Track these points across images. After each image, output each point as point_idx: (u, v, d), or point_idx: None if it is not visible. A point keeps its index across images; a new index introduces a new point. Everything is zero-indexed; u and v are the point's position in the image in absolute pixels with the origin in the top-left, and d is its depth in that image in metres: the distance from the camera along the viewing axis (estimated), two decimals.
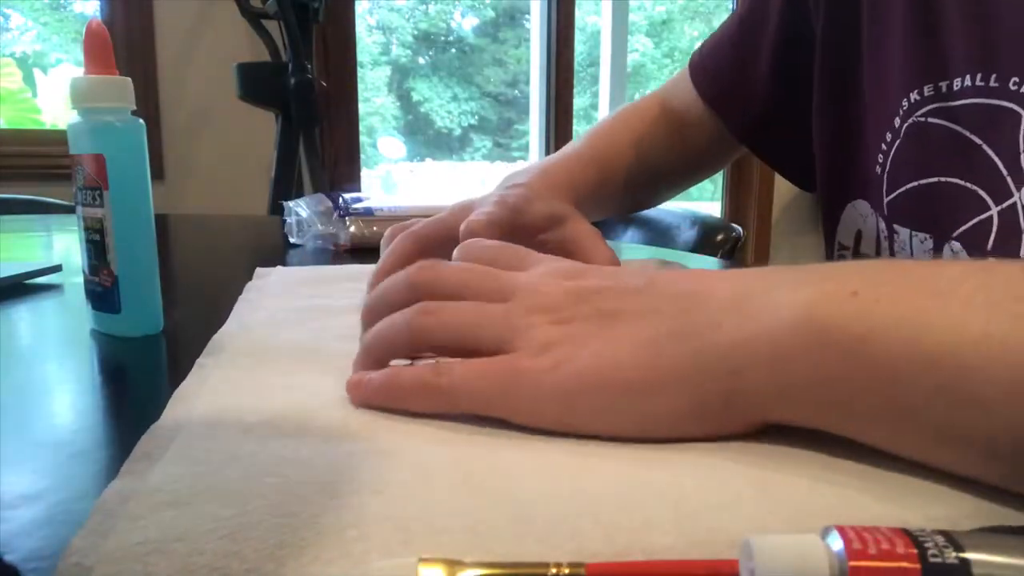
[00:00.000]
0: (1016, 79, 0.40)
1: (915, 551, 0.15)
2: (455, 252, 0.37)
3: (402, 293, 0.32)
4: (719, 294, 0.27)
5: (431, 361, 0.30)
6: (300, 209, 0.77)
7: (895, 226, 0.48)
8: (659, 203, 0.74)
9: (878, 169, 0.50)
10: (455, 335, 0.30)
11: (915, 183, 0.47)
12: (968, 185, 0.43)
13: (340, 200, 0.76)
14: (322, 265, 0.65)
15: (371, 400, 0.29)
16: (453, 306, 0.30)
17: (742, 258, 2.34)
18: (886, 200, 0.49)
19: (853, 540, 0.15)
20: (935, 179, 0.45)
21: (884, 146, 0.49)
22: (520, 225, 0.48)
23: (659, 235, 1.05)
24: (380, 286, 0.34)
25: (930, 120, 0.45)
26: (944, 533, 0.16)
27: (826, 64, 0.54)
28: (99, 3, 1.99)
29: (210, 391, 0.30)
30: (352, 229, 0.73)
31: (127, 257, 0.40)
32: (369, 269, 0.48)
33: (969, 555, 0.15)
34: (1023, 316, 0.21)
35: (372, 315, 0.33)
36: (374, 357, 0.31)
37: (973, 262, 0.25)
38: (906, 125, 0.47)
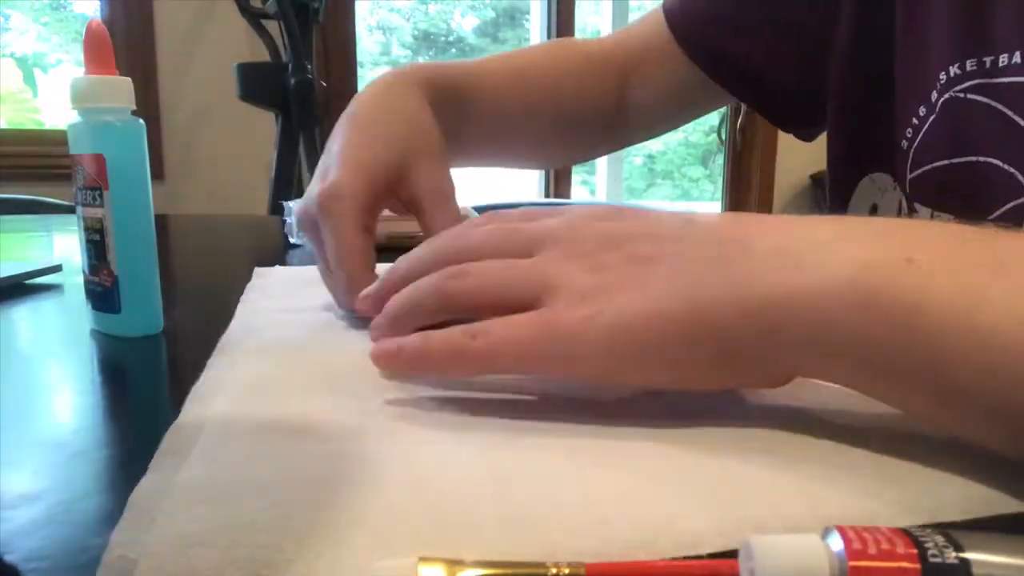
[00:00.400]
0: None
1: (915, 551, 0.15)
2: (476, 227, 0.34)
3: (425, 263, 0.32)
4: (763, 244, 0.25)
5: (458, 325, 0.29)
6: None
7: (916, 204, 0.46)
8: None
9: (904, 144, 0.47)
10: (486, 296, 0.29)
11: (945, 161, 0.44)
12: (1006, 167, 0.41)
13: None
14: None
15: (403, 368, 0.29)
16: (481, 266, 0.30)
17: None
18: (909, 176, 0.47)
19: (853, 540, 0.15)
20: (970, 158, 0.43)
21: (915, 120, 0.46)
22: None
23: None
24: (400, 262, 0.34)
25: (969, 96, 0.43)
26: (944, 533, 0.16)
27: (855, 29, 0.51)
28: (99, 3, 1.99)
29: (223, 393, 0.30)
30: None
31: (127, 257, 0.40)
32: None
33: (969, 555, 0.15)
34: None
35: (391, 287, 0.32)
36: (400, 324, 0.31)
37: None
38: (943, 100, 0.44)
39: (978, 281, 0.22)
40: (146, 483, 0.22)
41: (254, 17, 1.75)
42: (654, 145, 3.37)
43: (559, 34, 2.52)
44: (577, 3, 2.54)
